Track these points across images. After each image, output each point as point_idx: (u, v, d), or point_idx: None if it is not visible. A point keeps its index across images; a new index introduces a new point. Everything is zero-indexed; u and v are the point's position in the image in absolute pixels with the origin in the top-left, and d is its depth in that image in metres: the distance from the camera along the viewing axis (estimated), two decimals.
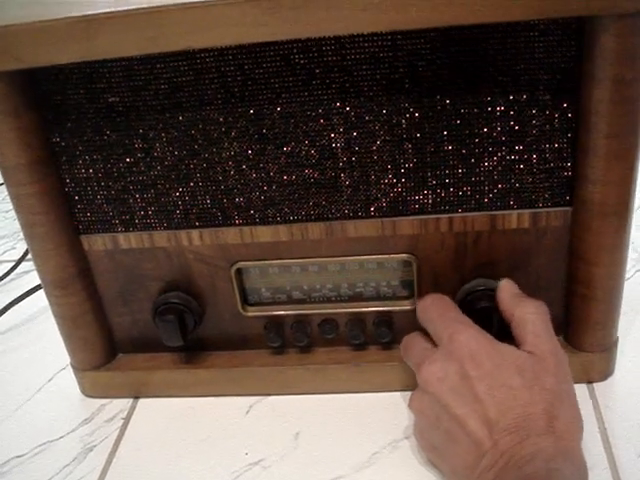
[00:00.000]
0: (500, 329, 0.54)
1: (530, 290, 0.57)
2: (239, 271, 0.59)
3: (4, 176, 0.55)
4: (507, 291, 0.55)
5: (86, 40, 0.47)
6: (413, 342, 0.56)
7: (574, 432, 0.48)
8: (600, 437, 0.55)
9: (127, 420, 0.63)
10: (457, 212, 0.55)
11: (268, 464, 0.57)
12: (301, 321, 0.61)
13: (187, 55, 0.51)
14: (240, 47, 0.50)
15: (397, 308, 0.60)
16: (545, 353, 0.50)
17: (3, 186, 0.56)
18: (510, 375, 0.48)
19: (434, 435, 0.51)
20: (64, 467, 0.59)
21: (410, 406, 0.54)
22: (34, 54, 0.48)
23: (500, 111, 0.51)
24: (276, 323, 0.61)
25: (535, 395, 0.47)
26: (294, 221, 0.56)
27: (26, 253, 0.87)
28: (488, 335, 0.52)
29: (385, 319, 0.60)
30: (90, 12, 0.46)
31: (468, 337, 0.51)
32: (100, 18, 0.46)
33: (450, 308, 0.55)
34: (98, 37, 0.47)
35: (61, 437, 0.62)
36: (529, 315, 0.52)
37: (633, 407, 0.58)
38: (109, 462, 0.59)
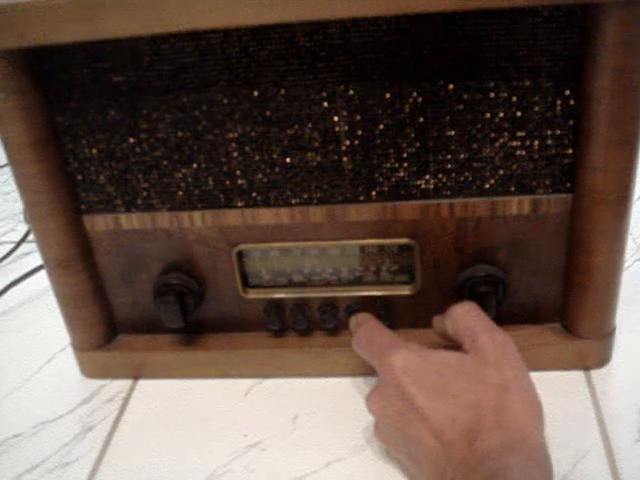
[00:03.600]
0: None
1: (529, 276, 0.58)
2: (240, 253, 0.60)
3: (8, 155, 0.55)
4: (436, 322, 0.55)
5: (89, 20, 0.47)
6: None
7: (525, 420, 0.45)
8: (597, 424, 0.55)
9: (126, 401, 0.63)
10: (458, 197, 0.55)
11: (266, 446, 0.57)
12: (301, 304, 0.61)
13: (192, 36, 0.51)
14: (245, 29, 0.50)
15: (397, 293, 0.60)
16: (482, 345, 0.49)
17: (3, 169, 0.56)
18: (447, 382, 0.47)
19: (401, 458, 0.51)
20: (63, 446, 0.59)
21: (374, 434, 0.53)
22: (37, 33, 0.48)
23: (502, 97, 0.51)
24: (276, 306, 0.62)
25: (479, 394, 0.46)
26: (296, 204, 0.57)
27: (26, 235, 0.87)
28: (417, 346, 0.50)
29: (385, 304, 0.60)
30: None
31: (395, 357, 0.49)
32: None
33: (376, 331, 0.54)
34: (101, 17, 0.47)
35: (60, 417, 0.62)
36: (456, 315, 0.52)
37: (630, 394, 0.58)
38: (108, 442, 0.59)
